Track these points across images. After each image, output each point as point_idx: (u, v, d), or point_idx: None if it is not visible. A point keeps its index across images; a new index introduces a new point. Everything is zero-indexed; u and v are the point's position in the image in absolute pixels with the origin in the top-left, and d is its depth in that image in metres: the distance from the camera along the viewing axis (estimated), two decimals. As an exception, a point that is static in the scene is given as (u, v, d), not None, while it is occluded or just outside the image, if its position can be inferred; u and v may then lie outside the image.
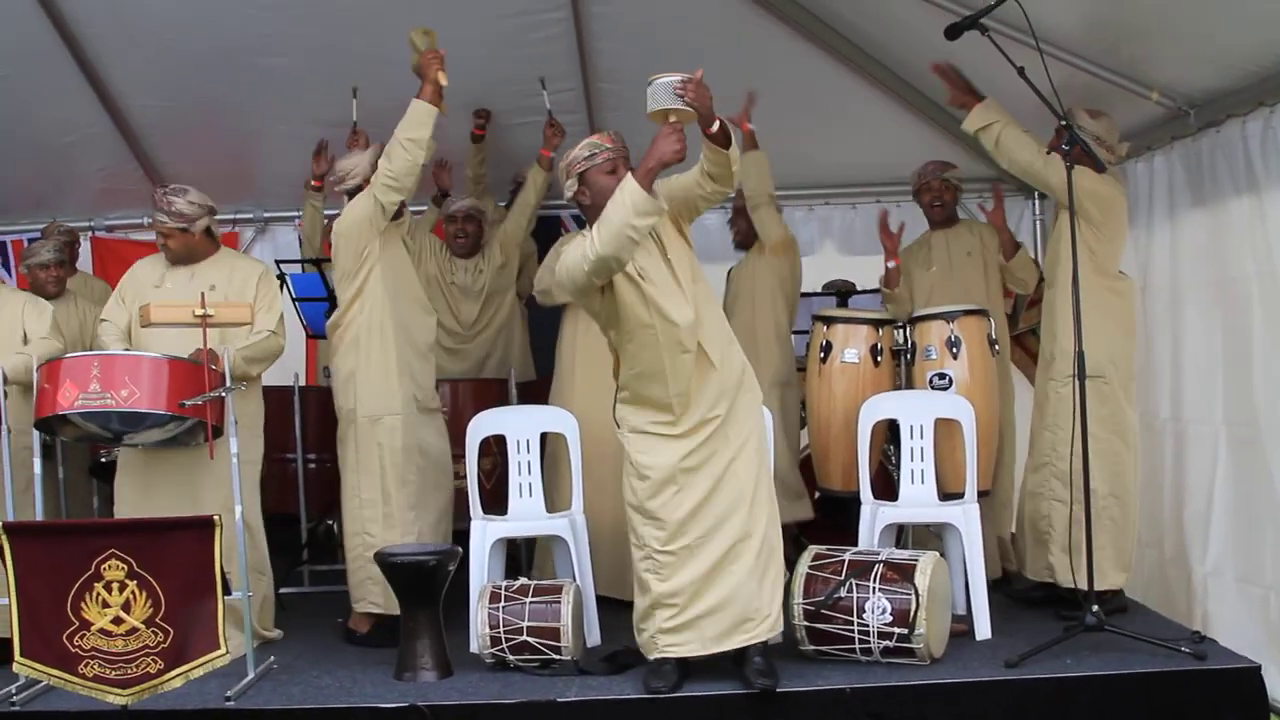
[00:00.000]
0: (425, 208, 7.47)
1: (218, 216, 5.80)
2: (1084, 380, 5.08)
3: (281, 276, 6.72)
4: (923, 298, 6.53)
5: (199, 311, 5.06)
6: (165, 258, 5.69)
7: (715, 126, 4.34)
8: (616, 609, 5.65)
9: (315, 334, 7.14)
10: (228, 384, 5.18)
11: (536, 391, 6.58)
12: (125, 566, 4.42)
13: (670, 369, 4.68)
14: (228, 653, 4.52)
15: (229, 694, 4.84)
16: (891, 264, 6.57)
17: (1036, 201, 7.66)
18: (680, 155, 4.33)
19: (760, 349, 6.38)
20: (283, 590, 6.30)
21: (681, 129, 4.33)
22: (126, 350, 5.45)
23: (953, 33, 5.33)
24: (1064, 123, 5.23)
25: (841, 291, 7.17)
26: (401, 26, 6.08)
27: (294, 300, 6.96)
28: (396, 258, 5.73)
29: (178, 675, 4.48)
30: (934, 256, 6.60)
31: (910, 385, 6.00)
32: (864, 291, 7.29)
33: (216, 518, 4.46)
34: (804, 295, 7.03)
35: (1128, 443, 5.66)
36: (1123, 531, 5.64)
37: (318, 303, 6.88)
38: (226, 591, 4.58)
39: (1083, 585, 5.10)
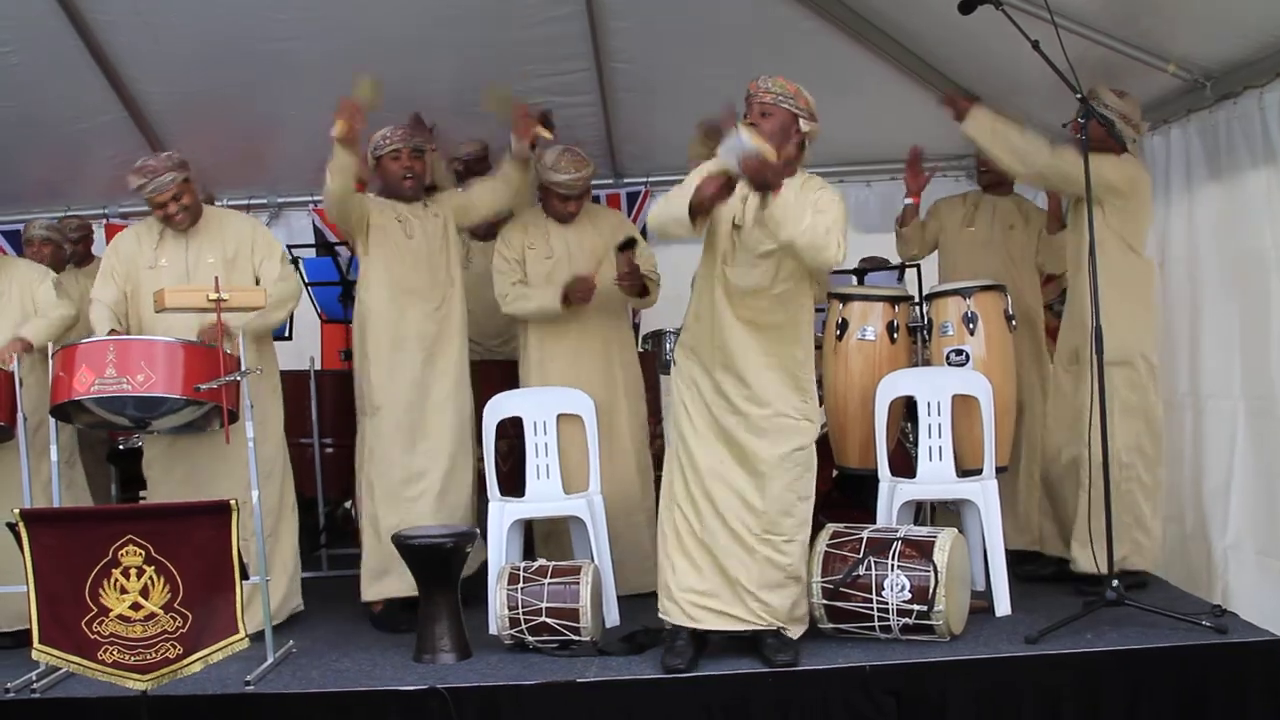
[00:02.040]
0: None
1: (231, 202, 5.81)
2: (1102, 363, 5.07)
3: (295, 261, 6.70)
4: (950, 255, 6.54)
5: (213, 296, 5.03)
6: (173, 224, 5.59)
7: (765, 199, 4.48)
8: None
9: (329, 318, 7.14)
10: (243, 368, 5.16)
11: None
12: (143, 552, 4.40)
13: None
14: (246, 637, 4.51)
15: (249, 678, 4.85)
16: (909, 201, 6.57)
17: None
18: (713, 202, 4.61)
19: None
20: (301, 575, 6.29)
21: (726, 181, 4.54)
22: (119, 331, 5.44)
23: (966, 8, 5.29)
24: (1080, 97, 5.18)
25: (859, 269, 7.13)
26: (414, 11, 6.08)
27: (306, 285, 6.94)
28: (392, 247, 5.77)
29: (196, 660, 4.46)
30: (977, 217, 6.54)
31: (927, 362, 5.95)
32: (881, 268, 7.24)
33: (233, 502, 4.45)
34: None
35: (1155, 431, 5.63)
36: (1152, 512, 5.65)
37: (330, 287, 6.86)
38: (244, 576, 4.57)
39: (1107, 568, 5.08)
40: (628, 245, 5.77)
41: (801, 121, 4.79)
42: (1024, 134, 5.62)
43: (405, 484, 5.73)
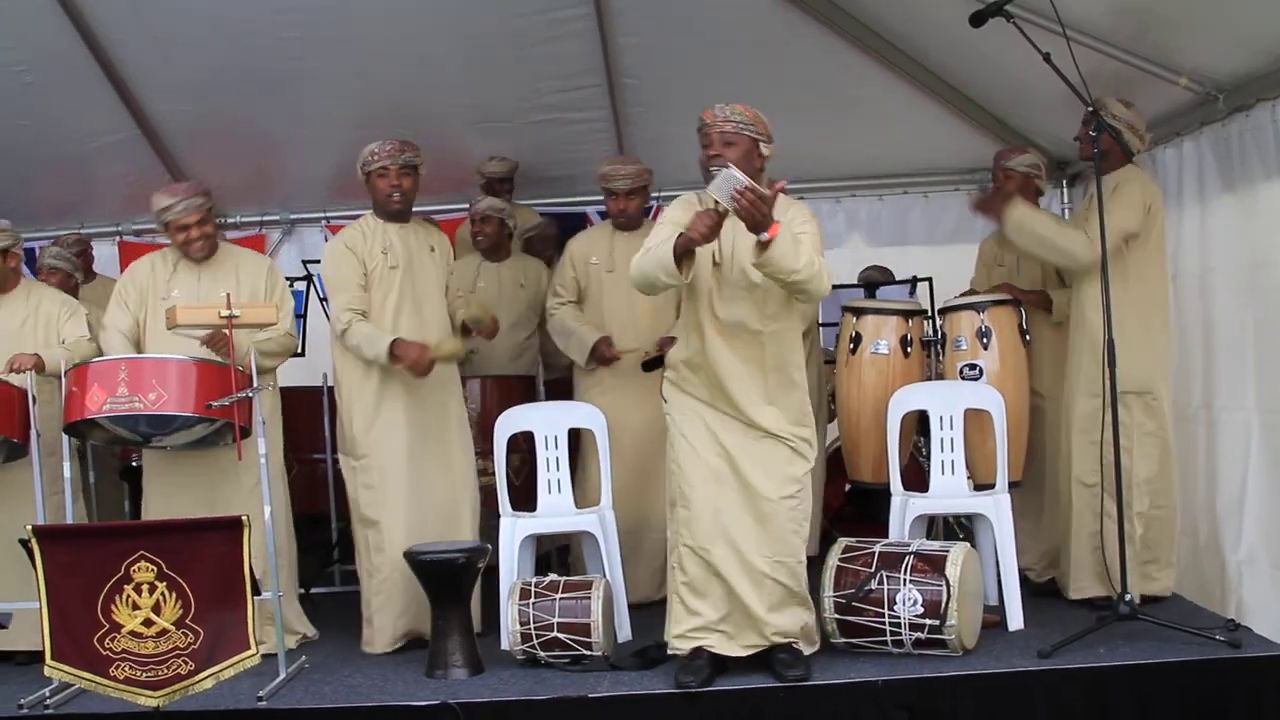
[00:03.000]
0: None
1: (244, 219, 5.83)
2: (1115, 388, 5.11)
3: (308, 277, 6.73)
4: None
5: (224, 313, 5.06)
6: (189, 254, 5.62)
7: (762, 237, 4.43)
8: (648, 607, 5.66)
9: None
10: (254, 384, 5.19)
11: (568, 387, 6.54)
12: (155, 568, 4.43)
13: None
14: (258, 652, 4.53)
15: (261, 694, 4.86)
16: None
17: (1065, 189, 7.60)
18: (705, 240, 4.53)
19: None
20: (313, 590, 6.34)
21: (718, 220, 4.48)
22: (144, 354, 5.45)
23: (977, 20, 5.30)
24: (1091, 109, 5.19)
25: (870, 283, 7.14)
26: (425, 28, 6.08)
27: (321, 300, 6.97)
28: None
29: (208, 676, 4.49)
30: (1005, 258, 6.45)
31: (940, 376, 5.96)
32: (893, 282, 7.25)
33: (245, 518, 4.47)
34: (833, 287, 6.97)
35: (1171, 458, 5.66)
36: (1170, 538, 5.68)
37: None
38: (256, 592, 4.59)
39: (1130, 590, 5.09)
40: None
41: (761, 146, 4.79)
42: (1060, 226, 5.63)
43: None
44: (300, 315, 6.79)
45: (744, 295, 4.81)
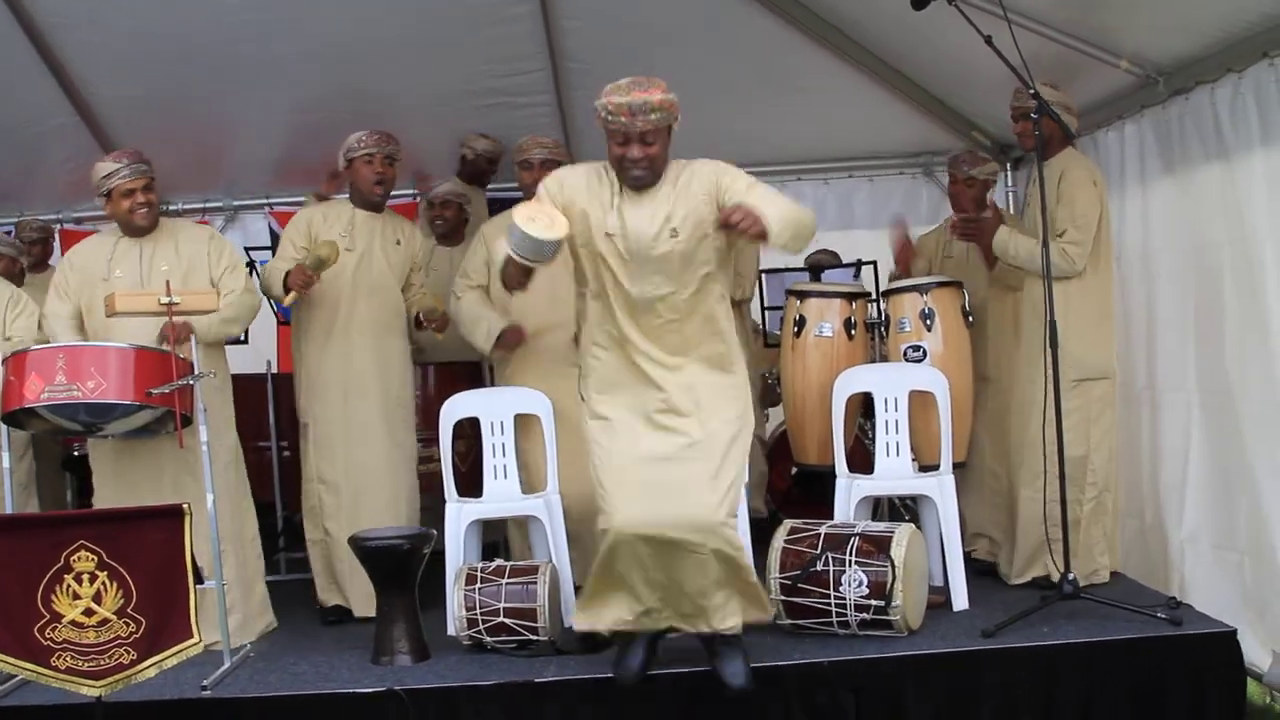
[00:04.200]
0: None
1: (186, 206, 5.81)
2: (1058, 373, 5.15)
3: (251, 264, 6.68)
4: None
5: (164, 300, 5.02)
6: (134, 223, 5.53)
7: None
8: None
9: (286, 320, 7.10)
10: (196, 371, 5.14)
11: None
12: (95, 558, 4.38)
13: None
14: (200, 641, 4.50)
15: (205, 683, 4.84)
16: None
17: (1009, 173, 7.64)
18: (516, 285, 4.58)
19: None
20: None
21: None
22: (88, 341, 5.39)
23: (918, 4, 5.31)
24: (1033, 93, 5.22)
25: (817, 266, 7.15)
26: (372, 11, 6.03)
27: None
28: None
29: (150, 665, 4.45)
30: (954, 249, 6.48)
31: (885, 358, 5.99)
32: (838, 266, 7.27)
33: (185, 506, 4.44)
34: (776, 271, 7.04)
35: (1116, 442, 5.76)
36: (1114, 520, 5.79)
37: (288, 290, 6.82)
38: (199, 580, 4.55)
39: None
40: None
41: (674, 125, 4.48)
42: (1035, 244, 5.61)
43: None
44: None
45: (657, 265, 4.49)
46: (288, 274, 5.71)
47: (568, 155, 6.32)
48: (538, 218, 4.21)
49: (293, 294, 5.70)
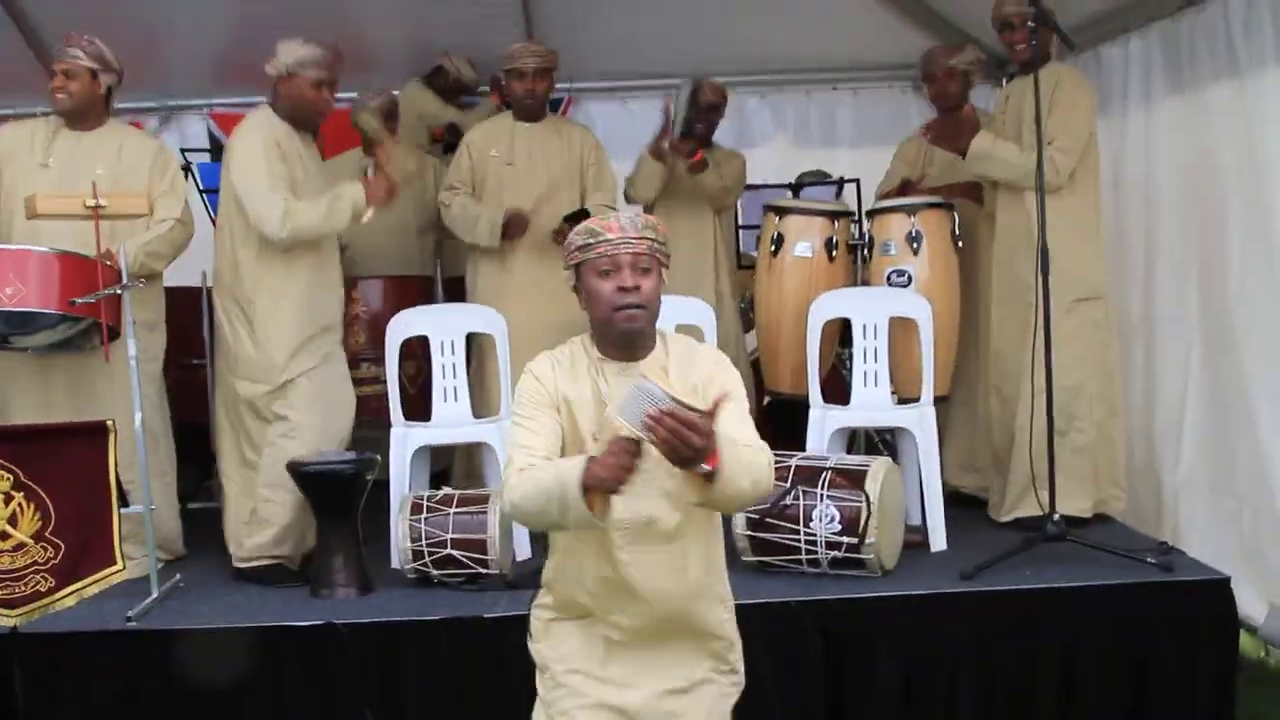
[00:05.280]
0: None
1: (119, 105, 5.70)
2: (1048, 295, 5.12)
3: (187, 166, 6.60)
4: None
5: (90, 202, 4.95)
6: (55, 101, 5.47)
7: (701, 469, 3.00)
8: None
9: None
10: (124, 280, 5.07)
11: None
12: (10, 477, 4.38)
13: None
14: (124, 568, 4.48)
15: (131, 614, 4.80)
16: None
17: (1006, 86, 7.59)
18: (619, 485, 3.04)
19: None
20: (192, 505, 6.27)
21: (637, 452, 3.02)
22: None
23: None
24: (1031, 5, 5.19)
25: (796, 184, 7.14)
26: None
27: (201, 192, 6.85)
28: None
29: (70, 594, 4.46)
30: (936, 156, 6.43)
31: (866, 282, 5.97)
32: (821, 183, 7.25)
33: (110, 423, 4.42)
34: (755, 186, 7.01)
35: (1116, 369, 5.78)
36: (1116, 455, 5.81)
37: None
38: (124, 503, 4.53)
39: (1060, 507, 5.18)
40: (576, 216, 5.71)
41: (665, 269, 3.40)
42: (1021, 151, 5.62)
43: None
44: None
45: (650, 479, 3.22)
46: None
47: (557, 64, 6.28)
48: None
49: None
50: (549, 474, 3.11)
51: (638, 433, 2.93)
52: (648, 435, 2.91)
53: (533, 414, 3.29)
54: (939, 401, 5.69)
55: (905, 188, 6.38)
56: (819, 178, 7.22)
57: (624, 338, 3.29)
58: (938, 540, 5.47)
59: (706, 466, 2.98)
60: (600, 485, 3.01)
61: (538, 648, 3.43)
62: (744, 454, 3.08)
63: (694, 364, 3.37)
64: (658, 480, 3.19)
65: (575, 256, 3.34)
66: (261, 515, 5.43)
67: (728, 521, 5.11)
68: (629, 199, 6.52)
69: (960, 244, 5.91)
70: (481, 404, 5.87)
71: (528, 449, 3.23)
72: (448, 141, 7.22)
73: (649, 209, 6.43)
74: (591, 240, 3.29)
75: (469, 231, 6.15)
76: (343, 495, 5.16)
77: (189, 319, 6.57)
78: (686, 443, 2.91)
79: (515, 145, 6.27)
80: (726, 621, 3.50)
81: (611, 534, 3.24)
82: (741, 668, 3.52)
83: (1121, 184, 6.05)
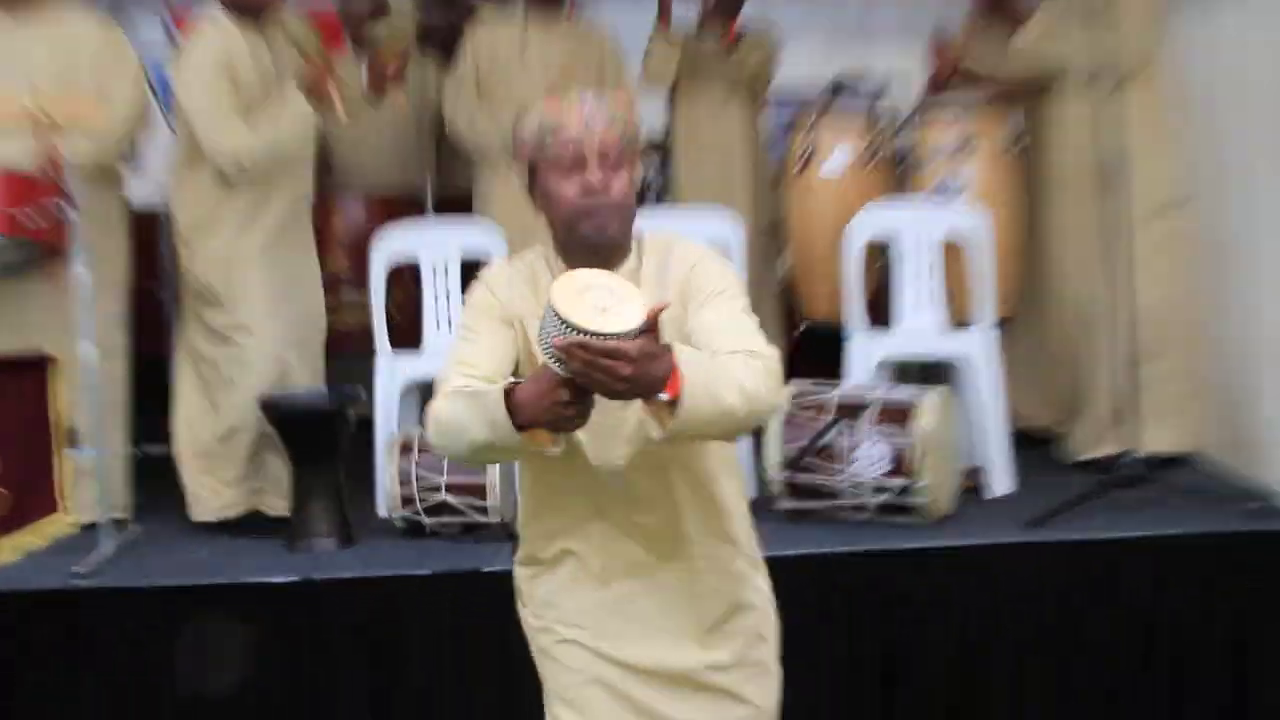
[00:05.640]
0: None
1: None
2: (1127, 195, 5.02)
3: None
4: None
5: (31, 108, 4.80)
6: None
7: (660, 398, 2.68)
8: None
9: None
10: (72, 195, 4.92)
11: (466, 206, 6.41)
12: (-60, 415, 4.28)
13: None
14: (70, 516, 4.37)
15: (78, 569, 4.69)
16: None
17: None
18: (551, 424, 2.72)
19: None
20: (148, 448, 6.12)
21: (568, 388, 2.67)
22: None
23: None
24: None
25: (831, 86, 6.97)
26: None
27: (156, 96, 6.68)
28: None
29: (10, 547, 4.38)
30: (987, 39, 6.34)
31: (912, 195, 5.87)
32: (858, 84, 7.09)
33: (54, 354, 4.28)
34: (784, 90, 6.91)
35: (1198, 289, 5.69)
36: (1198, 384, 5.71)
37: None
38: (72, 444, 4.40)
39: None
40: None
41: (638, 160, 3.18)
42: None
43: None
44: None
45: (621, 420, 3.01)
46: None
47: None
48: (610, 307, 2.69)
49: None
50: (474, 406, 2.78)
51: (551, 362, 2.65)
52: (562, 370, 2.63)
53: (480, 327, 3.03)
54: (1001, 325, 5.61)
55: (947, 74, 6.29)
56: (857, 78, 7.06)
57: (590, 248, 2.97)
58: (1000, 483, 5.39)
59: (664, 394, 2.66)
60: (528, 420, 2.72)
61: (524, 613, 3.24)
62: (717, 368, 2.74)
63: (669, 267, 3.07)
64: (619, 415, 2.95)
65: (528, 153, 3.04)
66: (220, 456, 5.37)
67: (759, 466, 5.07)
68: (645, 85, 6.52)
69: (1021, 145, 5.83)
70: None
71: (468, 366, 2.94)
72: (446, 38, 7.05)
73: (671, 98, 6.42)
74: (548, 132, 3.00)
75: (477, 143, 6.07)
76: (322, 435, 5.11)
77: (146, 241, 6.42)
78: (611, 375, 2.59)
79: (526, 46, 6.17)
80: (759, 589, 3.26)
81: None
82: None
83: (1216, 76, 5.87)
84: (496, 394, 2.72)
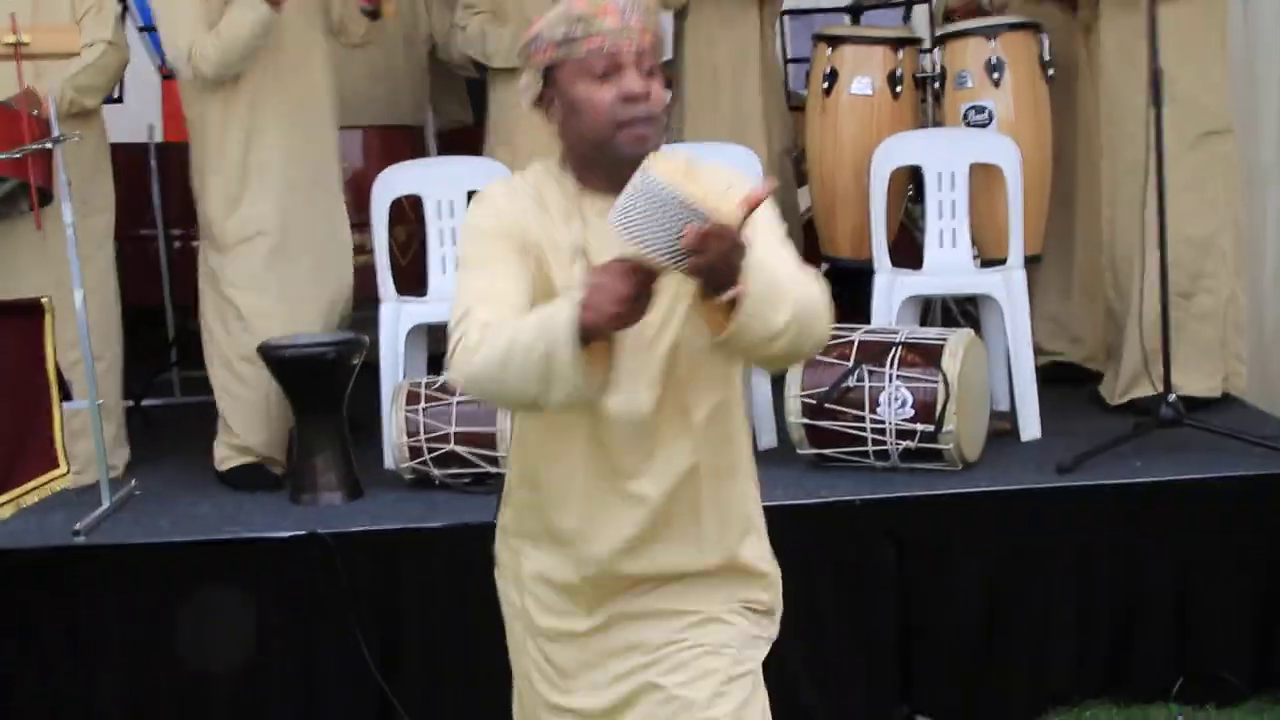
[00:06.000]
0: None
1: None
2: (1161, 141, 5.00)
3: (123, 1, 6.50)
4: None
5: (9, 39, 4.85)
6: None
7: (724, 296, 2.50)
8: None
9: (171, 72, 6.96)
10: (55, 133, 4.97)
11: (467, 141, 6.45)
12: (-73, 367, 4.36)
13: None
14: (69, 471, 4.47)
15: (78, 527, 4.78)
16: None
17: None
18: (629, 319, 2.51)
19: None
20: (146, 402, 6.29)
21: (646, 278, 2.50)
22: None
23: None
24: None
25: (855, 7, 7.04)
26: None
27: (140, 30, 6.76)
28: None
29: (7, 502, 4.44)
30: None
31: (939, 123, 5.94)
32: (883, 5, 7.15)
33: (45, 301, 4.37)
34: (803, 11, 6.89)
35: (1242, 215, 5.69)
36: (1239, 324, 5.75)
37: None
38: (66, 397, 4.50)
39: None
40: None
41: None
42: None
43: None
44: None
45: (655, 371, 2.80)
46: None
47: None
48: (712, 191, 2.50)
49: None
50: (528, 324, 2.57)
51: (647, 251, 2.44)
52: (670, 259, 2.43)
53: (494, 253, 2.76)
54: (1029, 263, 5.64)
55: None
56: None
57: (627, 164, 2.62)
58: (1029, 427, 5.44)
59: (732, 290, 2.49)
60: (602, 325, 2.49)
61: (504, 588, 3.09)
62: (780, 275, 2.60)
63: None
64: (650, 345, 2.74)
65: (548, 54, 2.77)
66: (223, 408, 5.43)
67: (779, 413, 5.14)
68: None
69: (1051, 72, 5.83)
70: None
71: (493, 298, 2.69)
72: None
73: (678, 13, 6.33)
74: (577, 29, 2.72)
75: (489, 46, 6.01)
76: (325, 384, 5.14)
77: (136, 182, 6.52)
78: (726, 259, 2.43)
79: None
80: (762, 558, 2.99)
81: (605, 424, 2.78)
82: (779, 614, 3.01)
83: None
84: (567, 308, 2.47)
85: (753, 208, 2.43)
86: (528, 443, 2.95)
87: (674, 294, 2.67)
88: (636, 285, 2.47)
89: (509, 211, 2.80)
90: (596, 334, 2.49)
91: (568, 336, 2.46)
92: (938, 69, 5.92)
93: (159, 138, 6.84)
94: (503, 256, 2.74)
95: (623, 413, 2.76)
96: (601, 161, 2.76)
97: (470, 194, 5.53)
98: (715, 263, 2.42)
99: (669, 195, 2.39)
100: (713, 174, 2.75)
